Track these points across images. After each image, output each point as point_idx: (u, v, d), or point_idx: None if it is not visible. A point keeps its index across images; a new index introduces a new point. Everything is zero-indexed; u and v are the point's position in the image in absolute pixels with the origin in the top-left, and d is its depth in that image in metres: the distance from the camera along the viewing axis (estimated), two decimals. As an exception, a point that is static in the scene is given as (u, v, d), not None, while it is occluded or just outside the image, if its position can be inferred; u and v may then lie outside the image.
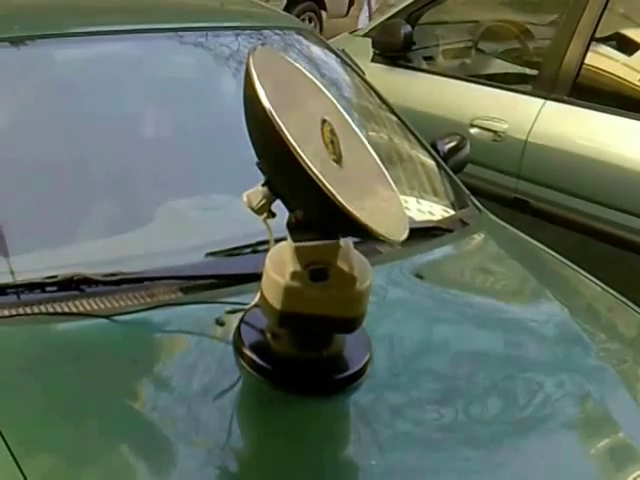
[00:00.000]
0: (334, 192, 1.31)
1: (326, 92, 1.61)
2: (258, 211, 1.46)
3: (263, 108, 1.34)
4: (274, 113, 1.34)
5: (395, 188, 1.57)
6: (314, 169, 1.31)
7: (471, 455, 1.54)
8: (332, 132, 1.44)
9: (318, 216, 1.43)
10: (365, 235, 1.45)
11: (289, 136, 1.32)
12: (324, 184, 1.31)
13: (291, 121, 1.36)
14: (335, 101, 1.61)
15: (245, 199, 1.47)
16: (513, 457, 1.58)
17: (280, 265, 1.46)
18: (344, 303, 1.48)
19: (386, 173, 1.59)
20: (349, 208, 1.32)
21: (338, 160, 1.44)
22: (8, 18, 2.14)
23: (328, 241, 1.43)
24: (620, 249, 3.25)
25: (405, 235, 1.47)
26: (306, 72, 1.61)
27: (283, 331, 1.53)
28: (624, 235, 3.25)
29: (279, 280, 1.45)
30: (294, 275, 1.44)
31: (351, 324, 1.52)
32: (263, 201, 1.45)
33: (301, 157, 1.31)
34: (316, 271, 1.43)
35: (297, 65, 1.61)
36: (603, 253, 3.22)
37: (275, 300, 1.46)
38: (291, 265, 1.44)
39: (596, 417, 1.74)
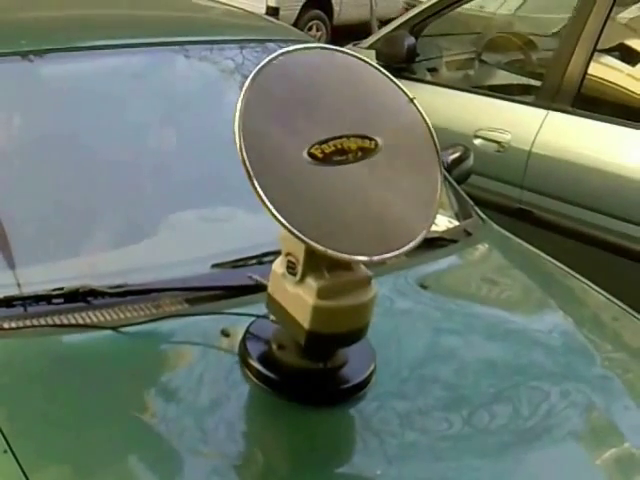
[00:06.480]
0: (274, 210, 1.33)
1: (402, 100, 1.56)
2: None
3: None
4: (239, 124, 1.37)
5: (432, 207, 1.49)
6: (256, 183, 1.34)
7: (477, 464, 1.54)
8: (363, 148, 1.44)
9: None
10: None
11: (245, 155, 1.35)
12: (264, 200, 1.33)
13: (282, 128, 1.40)
14: (417, 112, 1.55)
15: None
16: (519, 467, 1.58)
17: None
18: (304, 310, 1.44)
19: (433, 193, 1.50)
20: (285, 222, 1.33)
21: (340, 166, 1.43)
22: (15, 33, 2.16)
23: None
24: (625, 259, 3.25)
25: (383, 256, 1.41)
26: (381, 77, 1.57)
27: (289, 342, 1.53)
28: (628, 245, 3.25)
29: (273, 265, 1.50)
30: (281, 261, 1.47)
31: (306, 338, 1.45)
32: None
33: (247, 167, 1.34)
34: (289, 262, 1.45)
35: (371, 70, 1.58)
36: (607, 263, 3.22)
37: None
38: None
39: (602, 427, 1.73)
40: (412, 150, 1.53)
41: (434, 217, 1.49)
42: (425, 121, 1.55)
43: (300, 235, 1.34)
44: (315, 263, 1.42)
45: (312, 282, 1.42)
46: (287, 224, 1.34)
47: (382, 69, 1.59)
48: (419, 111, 1.55)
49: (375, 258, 1.40)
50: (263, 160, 1.36)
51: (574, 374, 1.86)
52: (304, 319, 1.43)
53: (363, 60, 1.58)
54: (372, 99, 1.55)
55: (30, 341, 1.59)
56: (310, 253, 1.40)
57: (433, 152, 1.53)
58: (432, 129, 1.54)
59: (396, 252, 1.42)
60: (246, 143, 1.36)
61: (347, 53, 1.58)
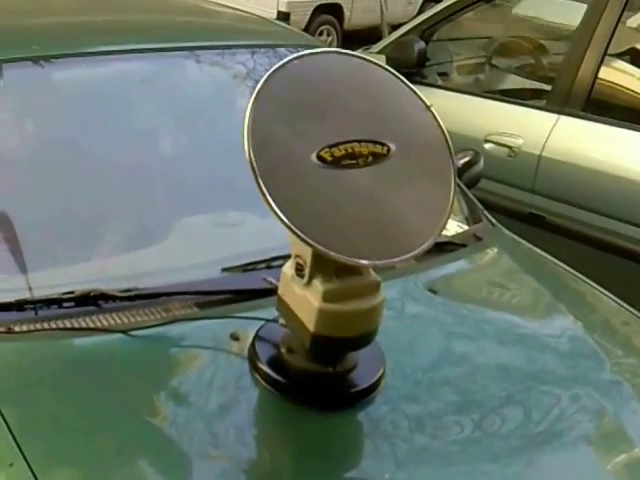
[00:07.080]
0: (277, 210, 1.33)
1: (418, 111, 1.54)
2: None
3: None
4: (248, 125, 1.37)
5: (443, 214, 1.47)
6: (262, 183, 1.34)
7: (487, 468, 1.54)
8: (375, 153, 1.43)
9: None
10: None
11: (252, 155, 1.35)
12: (269, 200, 1.34)
13: (291, 131, 1.40)
14: (433, 119, 1.54)
15: None
16: (529, 471, 1.58)
17: None
18: (310, 312, 1.43)
19: (444, 204, 1.49)
20: (288, 222, 1.33)
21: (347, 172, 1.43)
22: (27, 38, 2.17)
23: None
24: (636, 264, 3.24)
25: (387, 261, 1.40)
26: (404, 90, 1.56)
27: (298, 346, 1.53)
28: (639, 249, 3.24)
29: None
30: (291, 263, 1.47)
31: (311, 340, 1.45)
32: None
33: (253, 167, 1.35)
34: (297, 264, 1.45)
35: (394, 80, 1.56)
36: (618, 267, 3.21)
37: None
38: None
39: (611, 432, 1.73)
40: (426, 156, 1.52)
41: (444, 224, 1.48)
42: (441, 128, 1.54)
43: (303, 236, 1.34)
44: (322, 266, 1.42)
45: (319, 285, 1.42)
46: (291, 225, 1.34)
47: (398, 74, 1.58)
48: (435, 118, 1.54)
49: (379, 262, 1.40)
50: (270, 161, 1.37)
51: (584, 379, 1.85)
52: (310, 321, 1.43)
53: (378, 65, 1.58)
54: (386, 104, 1.55)
55: (41, 344, 1.60)
56: (317, 256, 1.39)
57: (447, 159, 1.52)
58: (448, 136, 1.53)
59: (402, 257, 1.41)
60: (254, 144, 1.36)
61: (362, 58, 1.58)
